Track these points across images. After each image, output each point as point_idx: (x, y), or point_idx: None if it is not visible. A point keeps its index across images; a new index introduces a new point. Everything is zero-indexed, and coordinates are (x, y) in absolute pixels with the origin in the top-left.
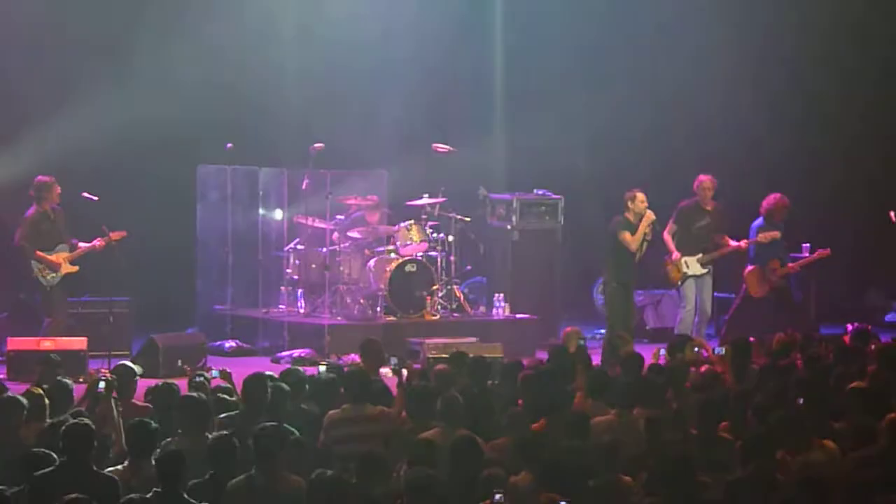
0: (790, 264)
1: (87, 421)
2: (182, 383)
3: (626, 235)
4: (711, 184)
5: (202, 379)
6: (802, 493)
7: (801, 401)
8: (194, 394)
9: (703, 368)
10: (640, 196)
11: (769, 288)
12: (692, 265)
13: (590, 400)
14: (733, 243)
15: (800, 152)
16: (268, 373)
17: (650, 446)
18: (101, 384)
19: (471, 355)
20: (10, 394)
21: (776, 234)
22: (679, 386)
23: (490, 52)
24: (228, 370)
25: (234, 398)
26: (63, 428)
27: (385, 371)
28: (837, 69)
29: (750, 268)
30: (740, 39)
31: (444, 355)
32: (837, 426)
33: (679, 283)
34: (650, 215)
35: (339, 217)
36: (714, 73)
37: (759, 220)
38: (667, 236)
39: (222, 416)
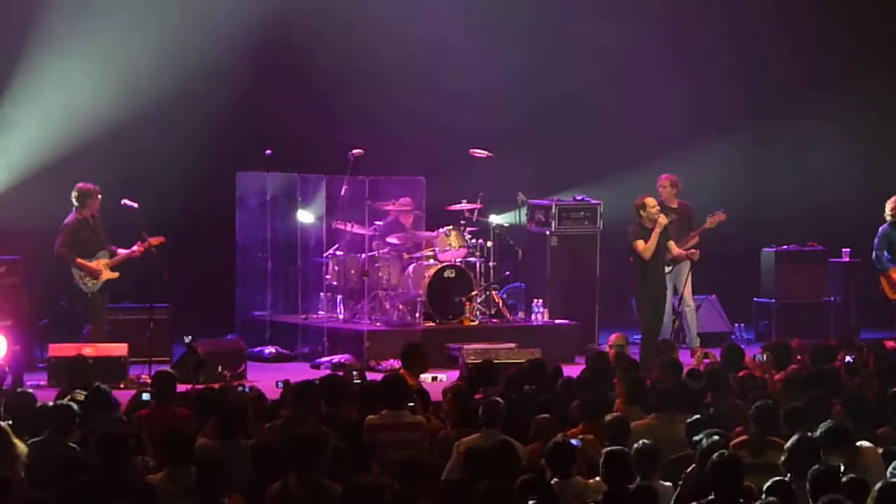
0: None
1: (125, 428)
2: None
3: (640, 244)
4: (669, 182)
5: (242, 389)
6: (847, 496)
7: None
8: (231, 400)
9: (741, 373)
10: (651, 201)
11: None
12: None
13: (629, 406)
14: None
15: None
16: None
17: (693, 450)
18: (146, 395)
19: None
20: (61, 402)
21: (722, 216)
22: (719, 391)
23: (526, 55)
24: (288, 379)
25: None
26: (100, 435)
27: (426, 377)
28: None
29: (883, 273)
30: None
31: (481, 361)
32: (881, 432)
33: None
34: (662, 219)
35: (377, 223)
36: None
37: (885, 226)
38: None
39: (266, 425)
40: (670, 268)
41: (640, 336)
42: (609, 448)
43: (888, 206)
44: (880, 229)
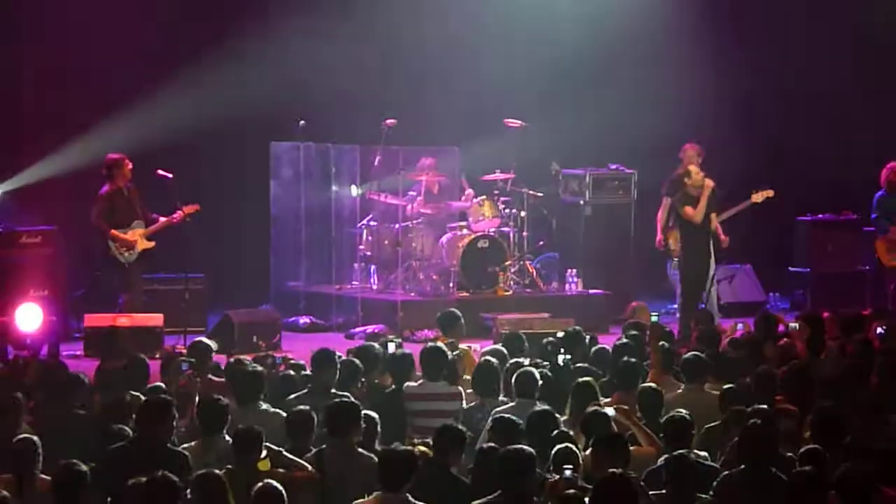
0: None
1: (164, 397)
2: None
3: (689, 210)
4: (694, 150)
5: (272, 361)
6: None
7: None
8: (257, 367)
9: (781, 342)
10: (694, 168)
11: None
12: None
13: (664, 375)
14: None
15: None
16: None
17: (728, 419)
18: (185, 366)
19: None
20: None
21: (770, 192)
22: (754, 360)
23: (560, 25)
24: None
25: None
26: (138, 404)
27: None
28: None
29: (879, 239)
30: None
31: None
32: None
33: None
34: (710, 184)
35: (411, 193)
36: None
37: (882, 192)
38: (661, 214)
39: (293, 396)
40: None
41: (672, 305)
42: (669, 417)
43: (883, 172)
44: (876, 196)
